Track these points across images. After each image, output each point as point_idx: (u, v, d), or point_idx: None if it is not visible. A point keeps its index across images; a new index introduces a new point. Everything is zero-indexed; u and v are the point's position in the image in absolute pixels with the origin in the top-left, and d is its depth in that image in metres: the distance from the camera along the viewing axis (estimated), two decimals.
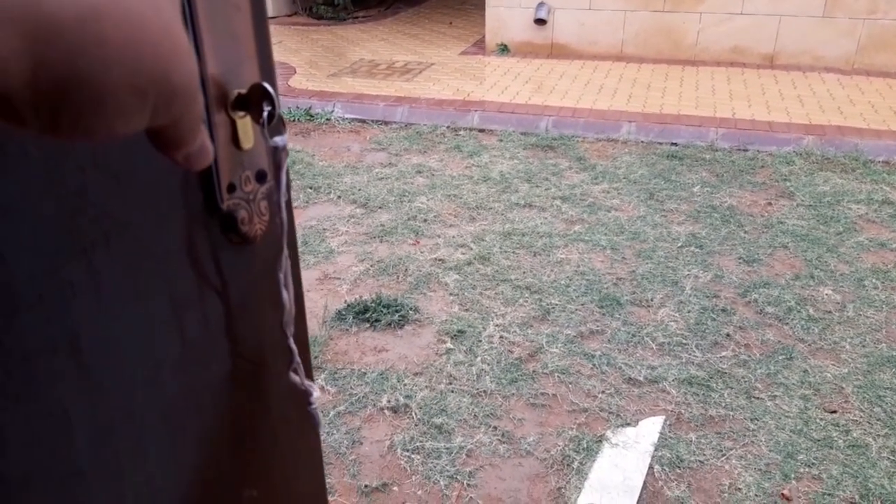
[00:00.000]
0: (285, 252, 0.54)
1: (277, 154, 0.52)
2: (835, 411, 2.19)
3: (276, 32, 6.97)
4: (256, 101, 0.50)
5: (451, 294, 2.79)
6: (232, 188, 0.53)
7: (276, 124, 0.51)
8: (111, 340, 0.50)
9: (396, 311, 2.65)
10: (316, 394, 0.60)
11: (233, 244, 0.55)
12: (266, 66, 0.53)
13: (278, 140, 0.51)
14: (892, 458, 2.01)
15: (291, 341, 0.57)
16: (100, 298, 0.48)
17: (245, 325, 0.59)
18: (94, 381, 0.49)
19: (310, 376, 0.61)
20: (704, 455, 2.03)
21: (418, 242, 3.18)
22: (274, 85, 0.50)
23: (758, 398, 2.24)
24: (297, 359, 0.58)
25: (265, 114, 0.50)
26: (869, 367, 2.38)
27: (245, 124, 0.52)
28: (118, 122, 0.30)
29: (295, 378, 0.59)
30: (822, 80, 5.24)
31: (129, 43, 0.29)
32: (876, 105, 4.71)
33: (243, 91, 0.51)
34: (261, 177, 0.55)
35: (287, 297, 0.55)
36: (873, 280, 2.87)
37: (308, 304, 2.74)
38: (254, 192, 0.55)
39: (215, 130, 0.51)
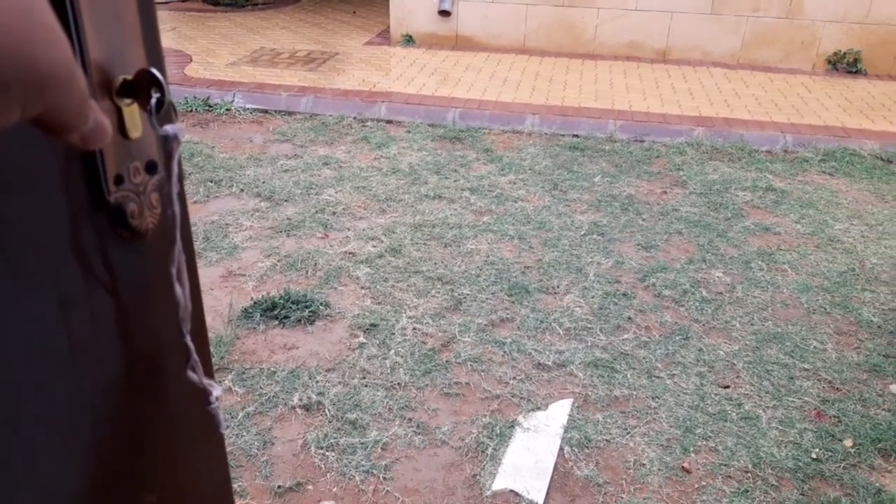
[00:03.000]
0: (178, 245, 0.51)
1: (168, 143, 0.49)
2: (728, 386, 2.33)
3: (169, 18, 6.65)
4: (144, 87, 0.47)
5: (362, 288, 2.76)
6: (119, 180, 0.50)
7: (165, 112, 0.48)
8: None
9: (306, 307, 2.59)
10: (216, 392, 0.58)
11: (123, 239, 0.52)
12: (153, 50, 0.50)
13: (168, 129, 0.48)
14: (780, 427, 2.16)
15: (188, 339, 0.54)
16: None
17: (138, 322, 0.55)
18: None
19: (210, 375, 0.59)
20: (611, 434, 2.12)
21: (327, 236, 3.13)
22: (162, 70, 0.47)
23: (658, 377, 2.35)
24: (195, 357, 0.55)
25: (153, 101, 0.47)
26: (757, 343, 2.54)
27: (132, 112, 0.49)
28: None
29: (193, 377, 0.56)
30: (710, 74, 5.54)
31: None
32: (759, 98, 5.03)
33: (129, 77, 0.48)
34: (151, 167, 0.52)
35: (181, 292, 0.52)
36: (759, 262, 3.07)
37: (212, 303, 2.65)
38: (144, 184, 0.52)
39: None
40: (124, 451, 0.57)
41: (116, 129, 0.49)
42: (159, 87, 0.47)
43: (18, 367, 0.47)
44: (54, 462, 0.51)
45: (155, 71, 0.47)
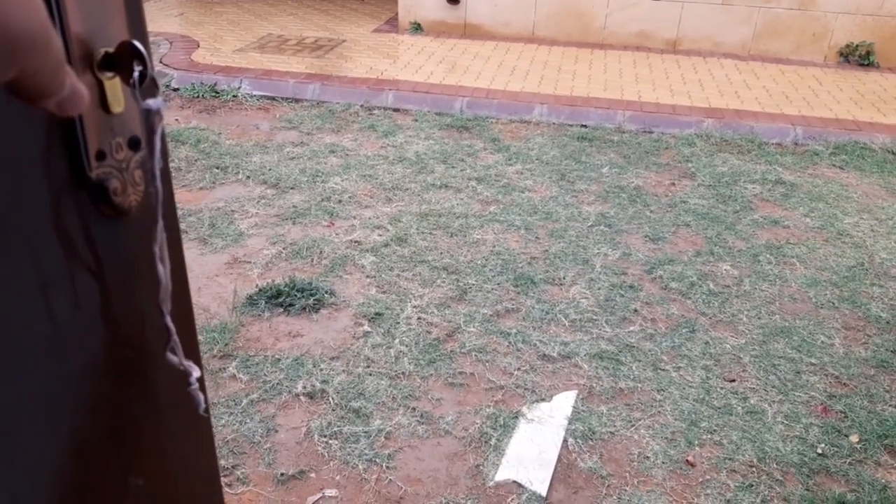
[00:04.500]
0: (160, 223, 0.50)
1: (151, 118, 0.48)
2: (733, 380, 2.31)
3: (177, 4, 6.64)
4: (126, 60, 0.46)
5: (367, 276, 2.75)
6: (101, 155, 0.49)
7: (148, 86, 0.46)
8: None
9: (311, 295, 2.59)
10: (196, 374, 0.57)
11: (105, 216, 0.50)
12: (136, 22, 0.48)
13: (151, 103, 0.46)
14: (785, 422, 2.14)
15: (168, 319, 0.53)
16: None
17: (123, 303, 0.54)
18: None
19: (196, 357, 0.58)
20: (615, 426, 2.10)
21: (333, 224, 3.12)
22: (145, 43, 0.46)
23: (664, 370, 2.33)
24: (175, 337, 0.54)
25: (136, 74, 0.45)
26: (764, 337, 2.52)
27: (114, 86, 0.48)
28: None
29: (172, 358, 0.56)
30: (720, 66, 5.48)
31: None
32: (770, 90, 4.97)
33: (111, 50, 0.46)
34: (134, 143, 0.51)
35: (163, 271, 0.51)
36: (767, 255, 3.04)
37: (217, 290, 2.64)
38: (127, 160, 0.50)
39: None
40: (108, 435, 0.56)
41: (98, 104, 0.47)
42: (142, 59, 0.45)
43: None
44: (37, 445, 0.50)
45: (137, 43, 0.45)
